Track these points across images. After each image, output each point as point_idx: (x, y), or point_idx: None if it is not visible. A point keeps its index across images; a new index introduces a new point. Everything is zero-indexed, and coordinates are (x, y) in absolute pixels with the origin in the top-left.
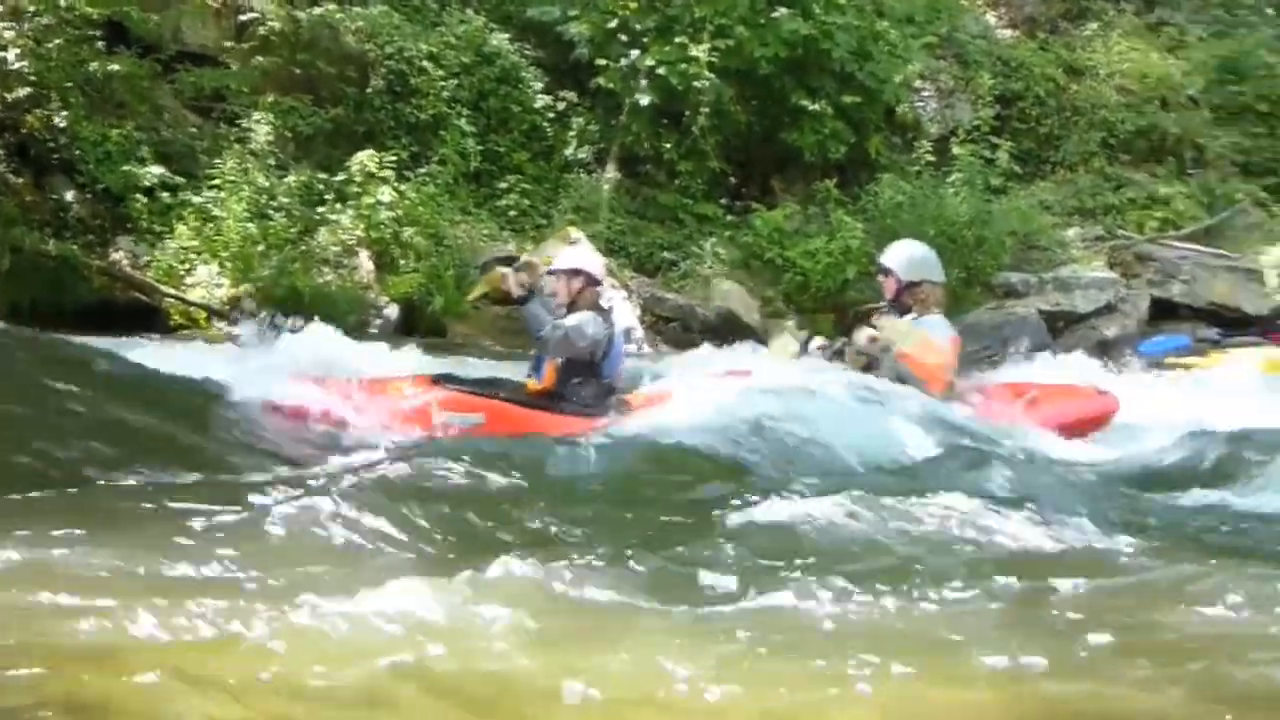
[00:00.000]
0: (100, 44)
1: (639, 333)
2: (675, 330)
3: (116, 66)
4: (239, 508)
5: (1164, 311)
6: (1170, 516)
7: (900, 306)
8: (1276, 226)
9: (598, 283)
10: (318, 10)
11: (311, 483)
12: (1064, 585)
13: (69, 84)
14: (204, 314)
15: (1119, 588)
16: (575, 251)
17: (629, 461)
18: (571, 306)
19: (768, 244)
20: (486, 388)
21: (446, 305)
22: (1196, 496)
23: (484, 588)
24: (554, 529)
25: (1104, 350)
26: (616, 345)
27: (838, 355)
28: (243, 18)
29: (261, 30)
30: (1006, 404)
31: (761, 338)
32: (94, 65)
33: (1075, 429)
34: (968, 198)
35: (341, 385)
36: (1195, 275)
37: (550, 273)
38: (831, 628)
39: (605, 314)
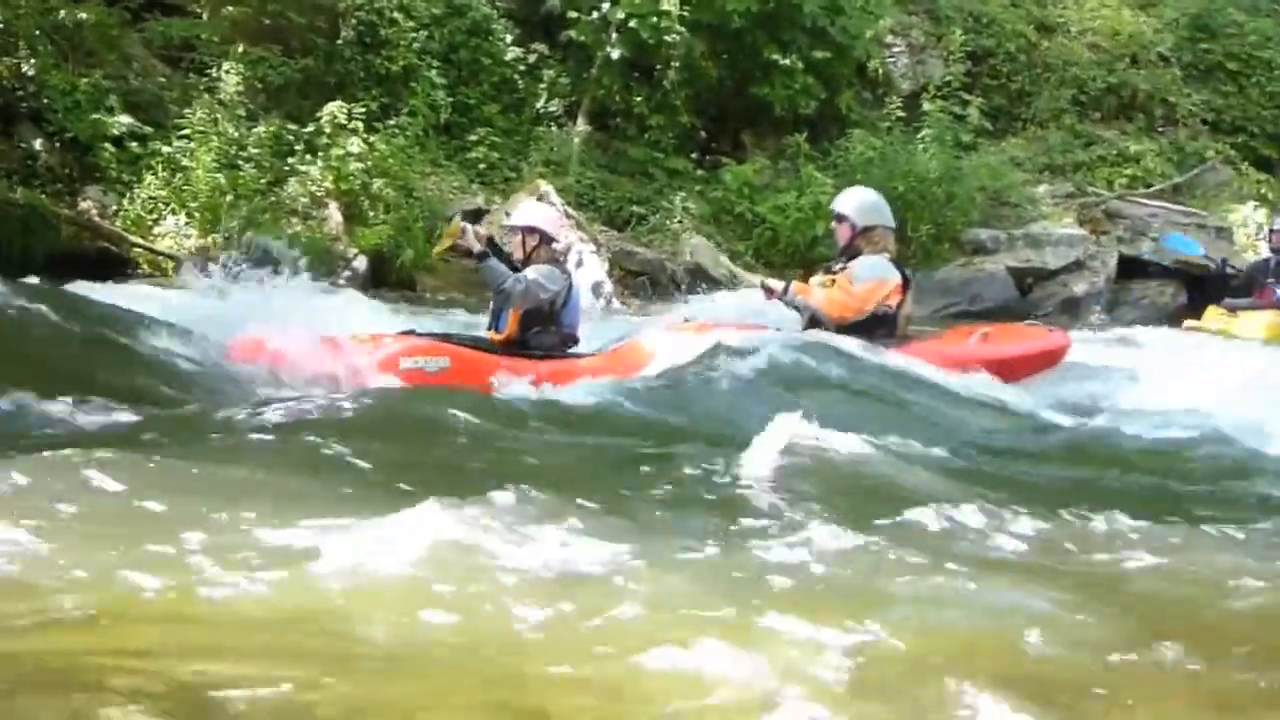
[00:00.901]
0: None
1: (608, 287)
2: (644, 284)
3: (85, 15)
4: (199, 451)
5: (1132, 269)
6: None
7: (852, 251)
8: (1245, 184)
9: (553, 239)
10: None
11: (276, 426)
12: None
13: (37, 31)
14: (171, 263)
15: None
16: (530, 208)
17: (581, 409)
18: (526, 261)
19: (738, 198)
20: (449, 339)
21: (416, 258)
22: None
23: (437, 534)
24: (504, 475)
25: (1072, 307)
26: (574, 295)
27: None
28: None
29: None
30: (959, 340)
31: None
32: (63, 13)
33: (1025, 364)
34: (938, 154)
35: (307, 334)
36: (1164, 232)
37: (506, 228)
38: (777, 576)
39: (564, 267)
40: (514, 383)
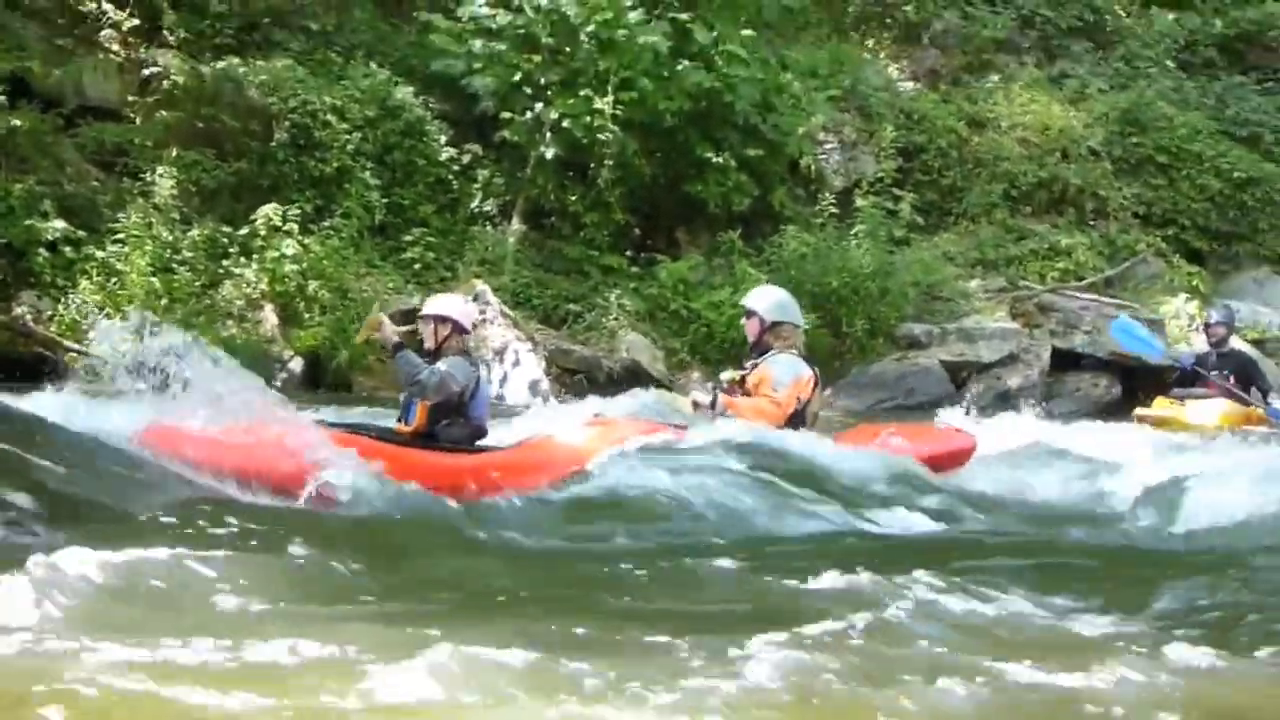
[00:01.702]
0: (2, 99)
1: (545, 385)
2: (581, 382)
3: (18, 121)
4: (127, 551)
5: (1066, 361)
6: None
7: (762, 346)
8: (1177, 277)
9: (465, 330)
10: (221, 64)
11: (184, 528)
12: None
13: None
14: (107, 367)
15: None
16: (443, 299)
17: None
18: (437, 352)
19: (673, 295)
20: (359, 430)
21: (351, 359)
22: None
23: (362, 642)
24: (420, 578)
25: (1006, 400)
26: (483, 389)
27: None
28: (146, 72)
29: (165, 84)
30: (866, 438)
31: (667, 388)
32: None
33: (931, 464)
34: (871, 249)
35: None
36: (1097, 325)
37: (419, 318)
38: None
39: (472, 359)
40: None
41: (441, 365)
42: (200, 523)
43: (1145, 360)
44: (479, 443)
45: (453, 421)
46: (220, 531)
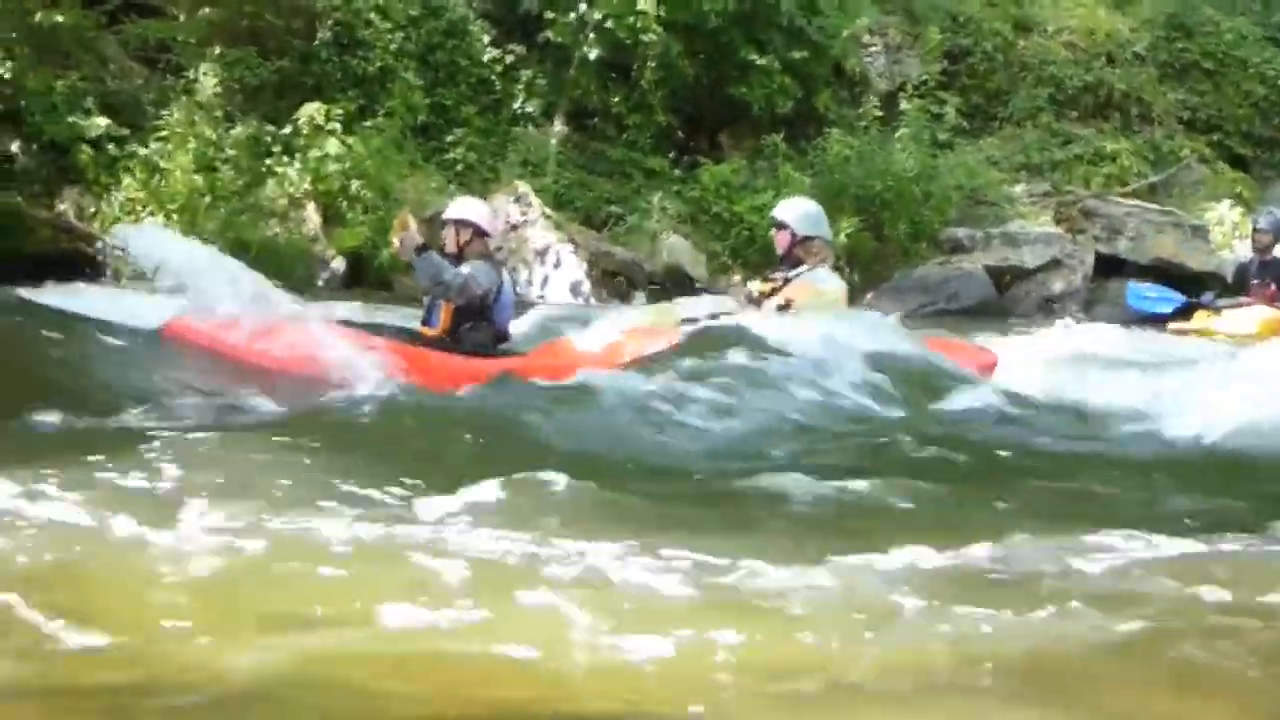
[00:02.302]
0: None
1: (586, 286)
2: (622, 284)
3: (61, 17)
4: (145, 444)
5: (1109, 267)
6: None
7: (792, 260)
8: (1220, 183)
9: (486, 234)
10: None
11: (205, 422)
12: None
13: (13, 34)
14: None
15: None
16: (466, 202)
17: (505, 407)
18: (459, 256)
19: (715, 198)
20: (381, 331)
21: (393, 258)
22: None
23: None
24: (430, 476)
25: (1049, 305)
26: (506, 293)
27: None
28: None
29: None
30: None
31: (709, 290)
32: (39, 15)
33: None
34: (915, 153)
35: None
36: (1141, 231)
37: (440, 222)
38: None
39: (496, 263)
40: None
41: (465, 268)
42: (213, 419)
43: (1187, 267)
44: (501, 346)
45: (476, 325)
46: (236, 425)
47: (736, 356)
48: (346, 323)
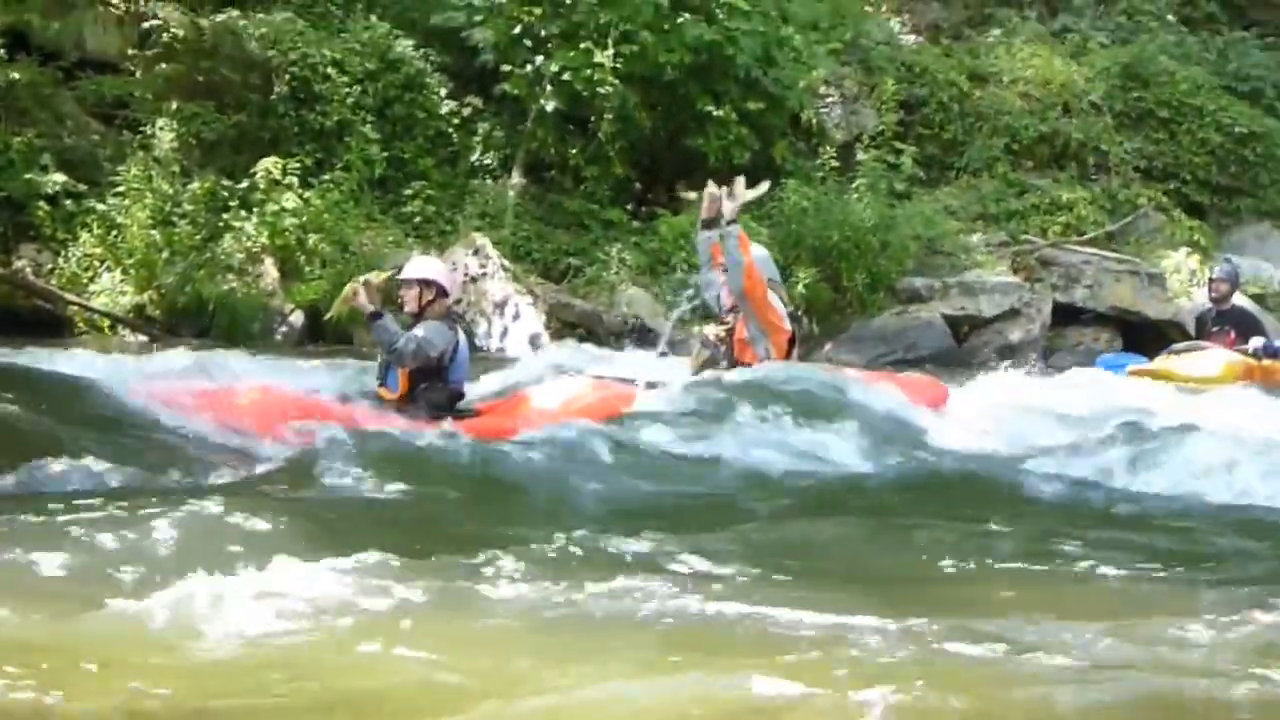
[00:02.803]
0: (1, 52)
1: (545, 339)
2: (580, 336)
3: (17, 75)
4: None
5: (1067, 316)
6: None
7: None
8: (1178, 231)
9: (447, 294)
10: (221, 17)
11: (185, 486)
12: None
13: None
14: (107, 321)
15: None
16: (424, 262)
17: (463, 464)
18: (419, 315)
19: (673, 249)
20: (347, 400)
21: (351, 312)
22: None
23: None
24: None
25: (1008, 354)
26: (462, 351)
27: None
28: (145, 25)
29: (165, 37)
30: None
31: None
32: None
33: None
34: (872, 203)
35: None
36: (1098, 280)
37: (400, 282)
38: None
39: (452, 323)
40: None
41: (419, 331)
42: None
43: (1145, 315)
44: (458, 406)
45: (432, 385)
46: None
47: (687, 410)
48: (313, 391)
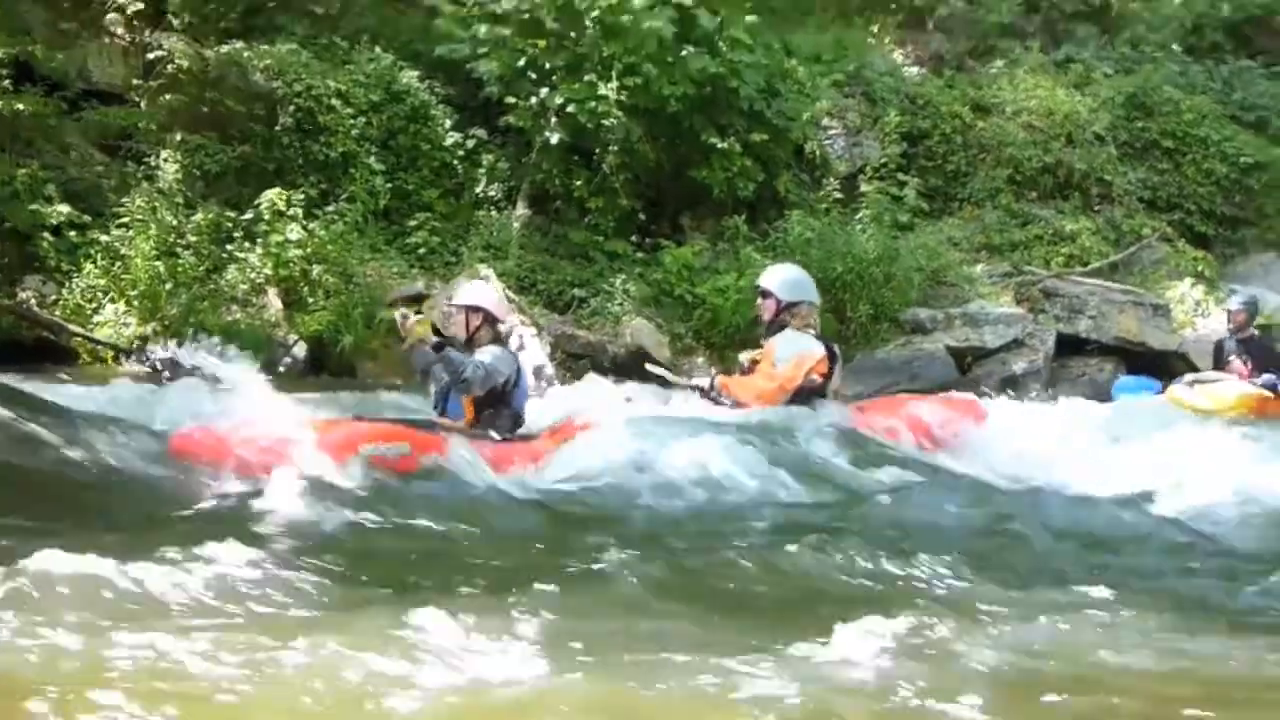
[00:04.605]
0: (6, 82)
1: (550, 370)
2: (585, 367)
3: (22, 105)
4: (168, 550)
5: (1071, 346)
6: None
7: (777, 326)
8: (1182, 262)
9: (497, 319)
10: (225, 48)
11: (237, 523)
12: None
13: None
14: (110, 352)
15: None
16: (476, 288)
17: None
18: (470, 342)
19: (677, 281)
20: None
21: (356, 344)
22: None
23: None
24: (470, 566)
25: (1012, 385)
26: (523, 377)
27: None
28: (150, 56)
29: (169, 68)
30: (888, 409)
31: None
32: (0, 104)
33: (946, 426)
34: (875, 234)
35: (256, 424)
36: (1102, 310)
37: (449, 307)
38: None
39: (507, 347)
40: (473, 462)
41: (485, 358)
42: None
43: (1149, 346)
44: (519, 431)
45: (497, 411)
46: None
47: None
48: (360, 418)
